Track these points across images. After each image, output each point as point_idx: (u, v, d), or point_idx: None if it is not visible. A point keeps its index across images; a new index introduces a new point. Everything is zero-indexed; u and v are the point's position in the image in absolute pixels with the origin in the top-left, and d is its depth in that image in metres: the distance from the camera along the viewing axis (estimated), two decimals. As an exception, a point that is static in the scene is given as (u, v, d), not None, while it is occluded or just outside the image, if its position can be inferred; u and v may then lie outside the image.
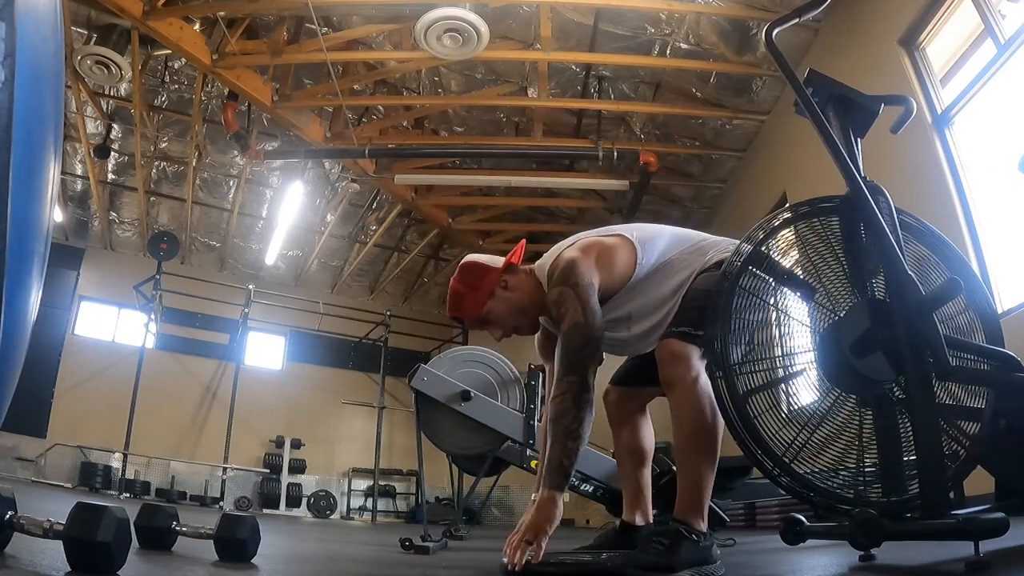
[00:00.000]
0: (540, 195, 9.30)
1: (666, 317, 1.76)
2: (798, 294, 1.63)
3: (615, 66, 6.79)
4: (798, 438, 1.53)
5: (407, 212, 10.02)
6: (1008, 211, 3.96)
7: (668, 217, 8.51)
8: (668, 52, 6.42)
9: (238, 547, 1.67)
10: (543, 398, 3.46)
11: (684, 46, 6.35)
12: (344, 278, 12.08)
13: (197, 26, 6.48)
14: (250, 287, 10.50)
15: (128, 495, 8.53)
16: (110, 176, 9.72)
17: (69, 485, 8.83)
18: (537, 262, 1.92)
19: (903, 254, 1.56)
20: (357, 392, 11.79)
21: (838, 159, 1.65)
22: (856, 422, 1.57)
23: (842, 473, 1.55)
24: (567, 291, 1.68)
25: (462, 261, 1.94)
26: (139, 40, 6.51)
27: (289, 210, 9.45)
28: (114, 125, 8.59)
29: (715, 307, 1.57)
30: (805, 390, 1.59)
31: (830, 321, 1.58)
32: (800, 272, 1.64)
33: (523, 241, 2.10)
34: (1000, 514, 1.34)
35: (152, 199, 10.22)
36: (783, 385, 1.59)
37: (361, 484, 11.51)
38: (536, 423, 3.58)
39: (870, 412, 1.57)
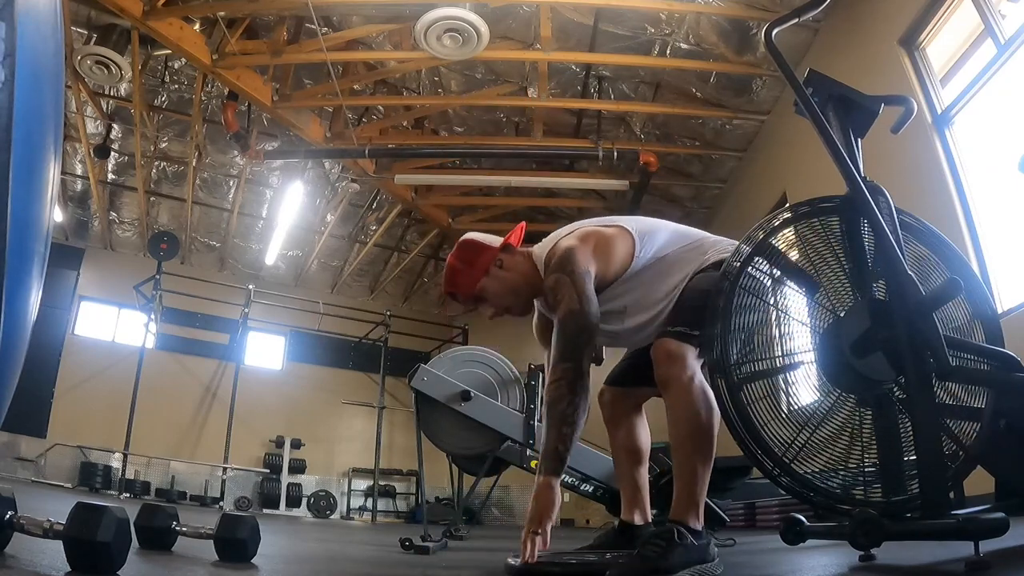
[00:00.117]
0: (540, 195, 9.31)
1: (660, 313, 1.76)
2: (802, 290, 1.63)
3: (615, 66, 6.79)
4: (798, 438, 1.52)
5: (407, 212, 10.03)
6: (1008, 211, 3.97)
7: (668, 217, 8.42)
8: (668, 52, 6.42)
9: (238, 547, 1.67)
10: (543, 398, 3.45)
11: (684, 46, 6.36)
12: (344, 278, 12.08)
13: (197, 26, 6.48)
14: (250, 287, 10.50)
15: (128, 495, 8.53)
16: (110, 176, 9.72)
17: (69, 485, 8.83)
18: (535, 246, 1.93)
19: (903, 254, 1.56)
20: (357, 392, 11.79)
21: (838, 159, 1.64)
22: (856, 422, 1.57)
23: (842, 473, 1.55)
24: (564, 278, 1.68)
25: (461, 238, 1.95)
26: (139, 40, 6.51)
27: (289, 210, 9.46)
28: (114, 125, 8.59)
29: (715, 307, 1.56)
30: (805, 390, 1.59)
31: (830, 321, 1.58)
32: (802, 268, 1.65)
33: (523, 223, 2.10)
34: (1000, 514, 1.34)
35: (152, 199, 10.22)
36: (783, 385, 1.59)
37: (361, 484, 11.51)
38: (536, 423, 3.58)
39: (870, 412, 1.57)
